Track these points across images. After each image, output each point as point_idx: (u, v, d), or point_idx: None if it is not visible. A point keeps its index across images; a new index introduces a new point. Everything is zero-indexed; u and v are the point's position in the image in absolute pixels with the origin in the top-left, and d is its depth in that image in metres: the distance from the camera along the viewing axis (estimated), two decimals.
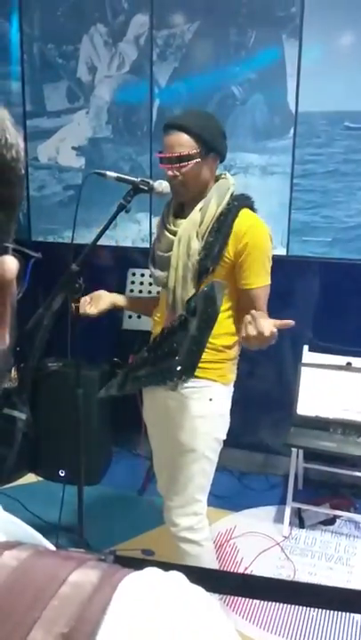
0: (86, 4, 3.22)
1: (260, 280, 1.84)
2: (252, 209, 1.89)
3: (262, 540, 2.68)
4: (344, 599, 1.05)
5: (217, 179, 1.88)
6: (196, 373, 1.70)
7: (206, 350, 1.71)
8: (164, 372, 1.71)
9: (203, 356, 1.68)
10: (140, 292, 3.19)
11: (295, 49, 2.89)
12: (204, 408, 1.88)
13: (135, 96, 3.22)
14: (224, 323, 1.85)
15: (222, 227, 1.80)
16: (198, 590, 0.39)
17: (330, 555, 2.63)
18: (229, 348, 1.90)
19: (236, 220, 1.81)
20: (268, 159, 3.03)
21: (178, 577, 0.39)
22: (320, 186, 2.97)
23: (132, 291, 3.23)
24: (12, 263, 0.39)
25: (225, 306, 1.83)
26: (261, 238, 1.83)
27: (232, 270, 1.83)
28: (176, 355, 1.63)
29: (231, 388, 1.96)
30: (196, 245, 1.80)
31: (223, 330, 1.85)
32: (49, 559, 0.36)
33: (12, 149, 0.38)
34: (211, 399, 1.88)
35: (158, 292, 2.08)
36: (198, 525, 1.96)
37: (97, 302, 1.97)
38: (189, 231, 1.82)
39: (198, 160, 1.78)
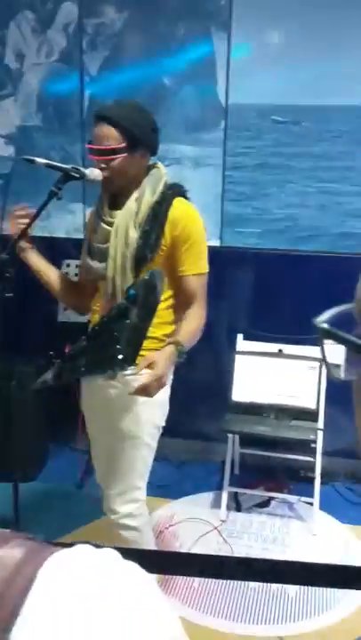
0: None
1: (196, 267, 1.87)
2: (186, 197, 1.91)
3: (200, 525, 2.74)
4: (274, 570, 1.10)
5: (149, 168, 1.89)
6: (137, 361, 1.72)
7: (147, 340, 1.72)
8: (104, 361, 1.71)
9: (143, 345, 1.70)
10: None
11: (225, 42, 2.93)
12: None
13: (65, 85, 3.17)
14: (163, 312, 1.87)
15: (158, 215, 1.82)
16: (132, 565, 0.38)
17: (265, 535, 2.72)
18: (168, 336, 1.91)
19: (170, 208, 1.84)
20: (200, 151, 3.07)
21: (111, 553, 0.38)
22: (251, 178, 3.04)
23: None
24: None
25: (164, 295, 1.85)
26: (197, 225, 1.87)
27: (170, 258, 1.86)
28: (117, 343, 1.64)
29: (170, 376, 1.99)
30: (134, 234, 1.82)
31: (162, 319, 1.87)
32: None
33: None
34: None
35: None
36: (137, 512, 1.98)
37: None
38: (126, 220, 1.82)
39: (126, 154, 1.78)
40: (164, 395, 1.96)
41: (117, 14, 3.04)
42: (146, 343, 1.72)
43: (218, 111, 3.01)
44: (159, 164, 1.93)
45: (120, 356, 1.64)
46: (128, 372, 1.83)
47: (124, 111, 1.79)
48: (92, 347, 1.73)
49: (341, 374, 0.40)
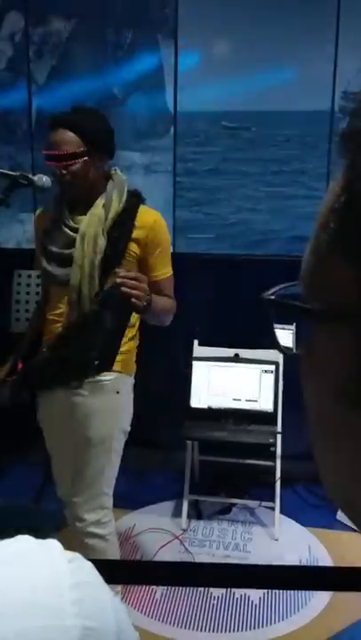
0: None
1: (167, 270, 1.91)
2: (144, 205, 1.92)
3: (162, 535, 2.70)
4: (238, 575, 1.08)
5: (107, 175, 1.89)
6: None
7: None
8: (75, 369, 1.69)
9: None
10: (28, 293, 3.10)
11: (171, 49, 2.95)
12: (112, 401, 1.90)
13: (13, 94, 3.13)
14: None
15: (125, 222, 1.84)
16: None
17: (227, 542, 2.69)
18: (132, 339, 1.94)
19: (137, 215, 1.85)
20: (150, 157, 3.07)
21: (52, 543, 0.40)
22: (202, 184, 3.06)
23: (18, 293, 3.12)
24: None
25: None
26: (165, 231, 1.91)
27: (138, 264, 1.86)
28: (92, 349, 1.63)
29: (133, 379, 1.99)
30: (103, 242, 1.81)
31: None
32: None
33: None
34: (118, 392, 1.90)
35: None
36: (105, 519, 1.96)
37: None
38: (95, 227, 1.81)
39: (86, 159, 1.78)
40: (129, 399, 1.98)
41: (64, 23, 3.02)
42: None
43: (167, 118, 3.02)
44: (117, 170, 1.93)
45: (96, 362, 1.64)
46: (96, 378, 1.82)
47: (82, 116, 1.81)
48: (60, 356, 1.71)
49: (294, 350, 0.40)
